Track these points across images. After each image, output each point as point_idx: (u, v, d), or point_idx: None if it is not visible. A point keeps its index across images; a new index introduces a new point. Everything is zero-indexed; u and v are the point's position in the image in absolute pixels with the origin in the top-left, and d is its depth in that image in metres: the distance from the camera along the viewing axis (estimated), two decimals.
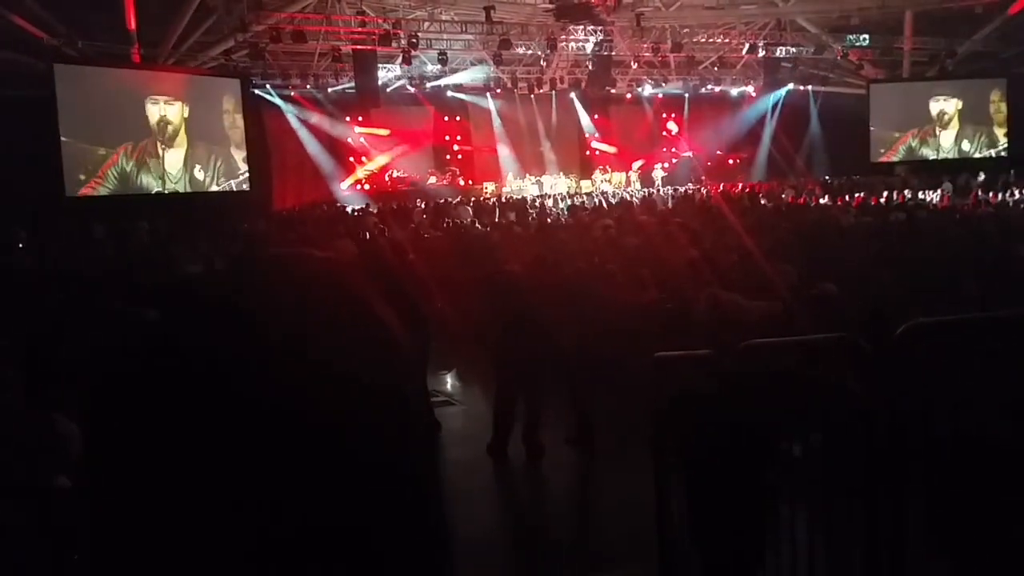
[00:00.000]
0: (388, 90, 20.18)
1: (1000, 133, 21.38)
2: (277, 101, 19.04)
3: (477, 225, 12.24)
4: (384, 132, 21.06)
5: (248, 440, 0.43)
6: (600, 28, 18.95)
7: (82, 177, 14.19)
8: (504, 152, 22.59)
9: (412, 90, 20.71)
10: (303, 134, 19.50)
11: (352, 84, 19.02)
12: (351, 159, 20.83)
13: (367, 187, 20.68)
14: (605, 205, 15.83)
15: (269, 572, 0.44)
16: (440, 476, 0.52)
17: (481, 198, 19.76)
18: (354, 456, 0.45)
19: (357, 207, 17.86)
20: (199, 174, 16.06)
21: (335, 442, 0.45)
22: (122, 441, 0.45)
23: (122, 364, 0.46)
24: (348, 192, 20.29)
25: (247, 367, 0.45)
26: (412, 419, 0.49)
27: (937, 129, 21.60)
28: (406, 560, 0.47)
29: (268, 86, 18.47)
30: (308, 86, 19.18)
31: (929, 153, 21.69)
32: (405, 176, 21.30)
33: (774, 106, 23.79)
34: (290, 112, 19.28)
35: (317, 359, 0.46)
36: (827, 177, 21.24)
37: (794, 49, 20.72)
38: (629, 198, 18.03)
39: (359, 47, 17.73)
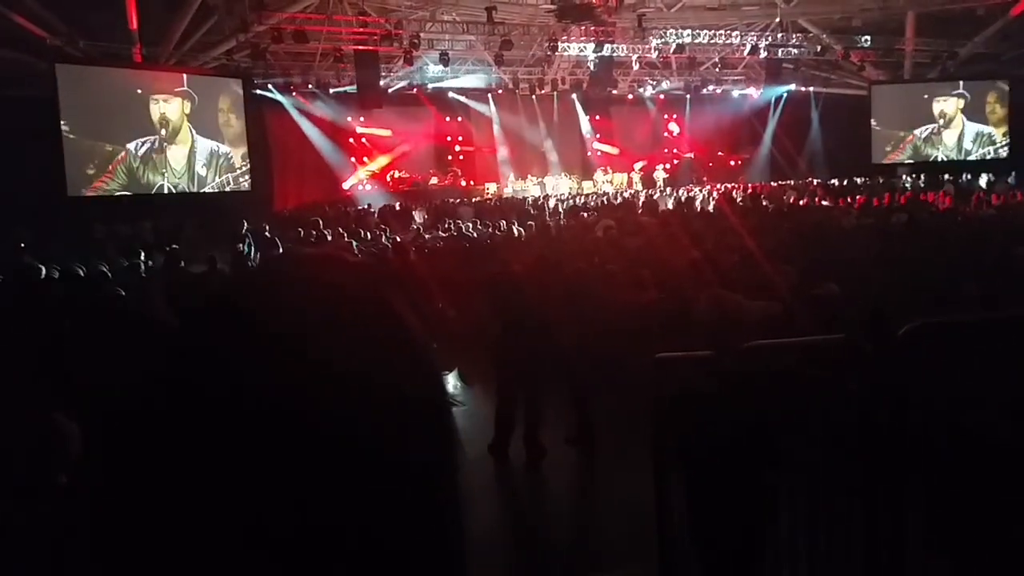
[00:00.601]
0: (390, 91, 20.20)
1: (1000, 134, 21.38)
2: (279, 101, 19.06)
3: (479, 226, 12.23)
4: (386, 133, 21.08)
5: (255, 440, 0.44)
6: (602, 29, 18.96)
7: (90, 172, 14.22)
8: (505, 153, 22.61)
9: (414, 91, 20.74)
10: (305, 134, 19.52)
11: (354, 84, 19.04)
12: (353, 159, 20.85)
13: (369, 187, 20.71)
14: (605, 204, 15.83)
15: (270, 572, 0.44)
16: (453, 481, 0.52)
17: (483, 198, 19.77)
18: (358, 457, 0.45)
19: (360, 207, 17.87)
20: (202, 173, 16.11)
21: (342, 443, 0.45)
22: (124, 440, 0.45)
23: (126, 366, 0.47)
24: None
25: (268, 368, 0.45)
26: (421, 420, 0.49)
27: (939, 130, 21.60)
28: (407, 562, 0.47)
29: (270, 86, 18.49)
30: (310, 86, 19.21)
31: (931, 154, 21.69)
32: (407, 176, 21.32)
33: (776, 106, 23.78)
34: (292, 112, 19.30)
35: (342, 363, 0.46)
36: (830, 179, 21.24)
37: (795, 50, 20.72)
38: (631, 198, 18.05)
39: (361, 47, 17.75)
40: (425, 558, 0.48)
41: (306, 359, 0.45)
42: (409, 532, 0.47)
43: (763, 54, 20.48)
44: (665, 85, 22.79)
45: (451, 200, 18.63)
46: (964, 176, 19.16)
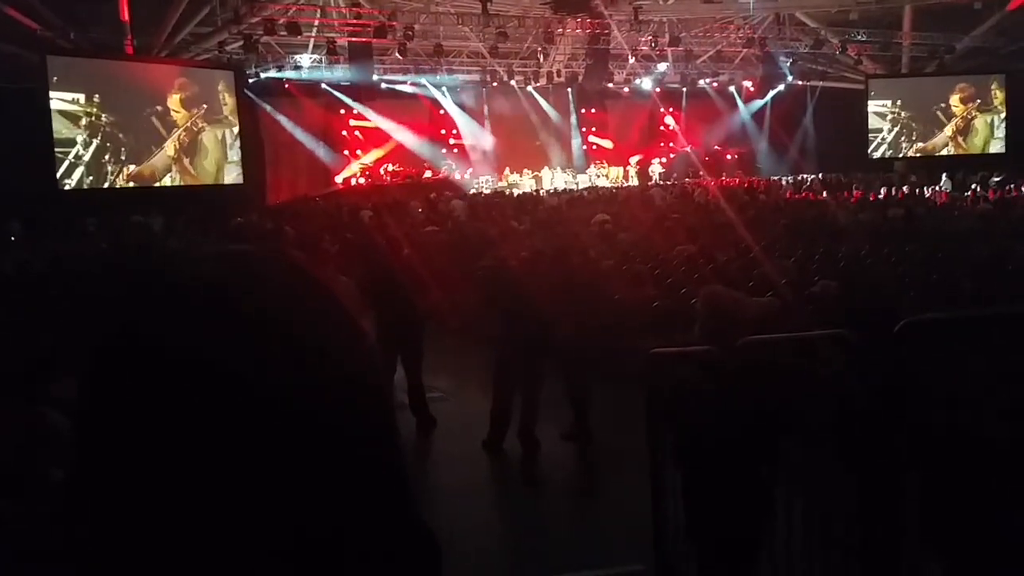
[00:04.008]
0: (383, 83, 20.09)
1: (998, 129, 21.40)
2: (271, 93, 18.88)
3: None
4: (380, 125, 20.95)
5: (230, 441, 0.44)
6: (597, 21, 18.88)
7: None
8: (500, 146, 22.51)
9: (407, 83, 20.63)
10: (297, 127, 19.37)
11: (347, 76, 18.92)
12: (346, 152, 20.72)
13: (362, 180, 20.58)
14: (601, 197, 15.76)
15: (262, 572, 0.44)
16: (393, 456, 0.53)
17: (478, 191, 19.68)
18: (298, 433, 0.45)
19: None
20: (192, 167, 15.99)
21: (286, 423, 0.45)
22: (113, 437, 0.45)
23: (111, 357, 0.46)
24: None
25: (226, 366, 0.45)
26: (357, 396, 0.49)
27: (935, 125, 21.61)
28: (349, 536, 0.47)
29: (262, 78, 18.34)
30: (303, 78, 19.06)
31: (927, 149, 21.71)
32: (400, 170, 21.21)
33: (772, 100, 23.76)
34: (284, 105, 19.14)
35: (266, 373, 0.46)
36: (826, 174, 21.24)
37: (793, 43, 20.69)
38: (626, 189, 18.01)
39: (354, 39, 17.63)
40: (366, 530, 0.47)
41: (243, 339, 0.45)
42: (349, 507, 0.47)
43: (759, 48, 20.46)
44: (662, 67, 22.47)
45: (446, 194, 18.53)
46: (961, 172, 19.15)
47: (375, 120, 20.52)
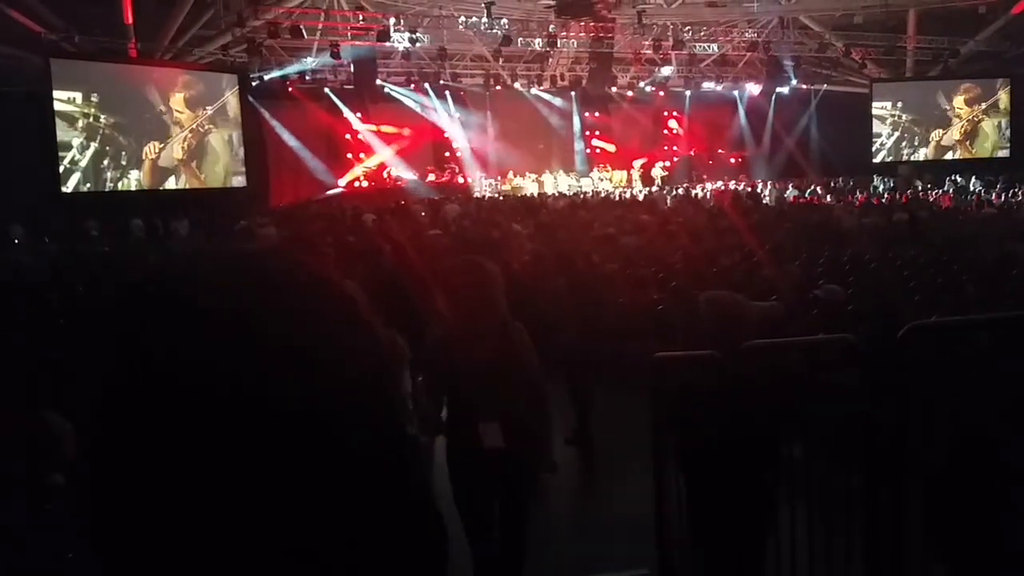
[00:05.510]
0: (386, 87, 20.12)
1: (1003, 133, 21.34)
2: (275, 96, 18.90)
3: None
4: (382, 129, 20.97)
5: (237, 444, 0.44)
6: (601, 25, 18.90)
7: (86, 168, 14.07)
8: (503, 150, 22.51)
9: (411, 86, 20.66)
10: (301, 131, 19.38)
11: (350, 80, 18.94)
12: (349, 156, 20.74)
13: (365, 184, 20.58)
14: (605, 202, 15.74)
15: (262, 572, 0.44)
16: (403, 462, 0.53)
17: (481, 195, 19.67)
18: (307, 437, 0.46)
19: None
20: (200, 171, 16.02)
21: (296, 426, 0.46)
22: (119, 441, 0.45)
23: (117, 364, 0.46)
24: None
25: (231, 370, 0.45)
26: (368, 398, 0.49)
27: (940, 129, 21.56)
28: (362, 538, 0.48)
29: (265, 80, 18.37)
30: (306, 79, 19.09)
31: (931, 153, 21.65)
32: (404, 174, 21.21)
33: (776, 104, 23.74)
34: (288, 108, 19.16)
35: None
36: (830, 178, 21.20)
37: (797, 47, 20.67)
38: (631, 197, 18.00)
39: (358, 42, 17.68)
40: (379, 535, 0.48)
41: (261, 344, 0.45)
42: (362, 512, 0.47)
43: (764, 51, 20.44)
44: (665, 71, 22.44)
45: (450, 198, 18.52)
46: (965, 176, 19.10)
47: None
